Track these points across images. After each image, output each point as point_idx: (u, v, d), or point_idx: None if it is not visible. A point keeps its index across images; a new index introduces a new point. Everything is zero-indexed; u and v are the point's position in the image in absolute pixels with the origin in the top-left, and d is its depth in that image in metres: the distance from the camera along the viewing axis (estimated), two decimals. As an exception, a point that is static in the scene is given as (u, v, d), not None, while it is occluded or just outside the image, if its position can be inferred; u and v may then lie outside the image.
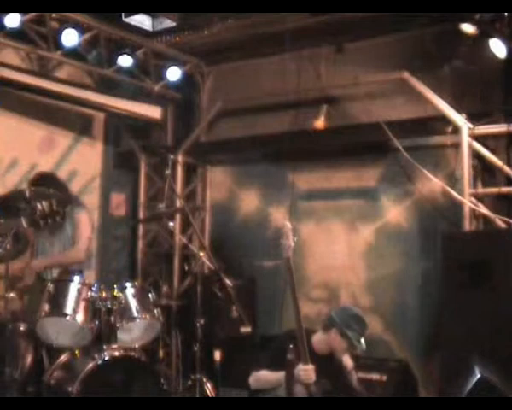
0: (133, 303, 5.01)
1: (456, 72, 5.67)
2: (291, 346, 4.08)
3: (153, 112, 7.01)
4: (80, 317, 4.65)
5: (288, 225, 4.25)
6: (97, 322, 4.72)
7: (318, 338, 4.40)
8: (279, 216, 6.80)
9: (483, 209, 5.53)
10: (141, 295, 5.14)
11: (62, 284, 4.68)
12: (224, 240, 7.07)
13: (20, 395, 4.56)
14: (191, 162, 7.29)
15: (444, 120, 5.68)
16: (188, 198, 7.22)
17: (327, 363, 4.30)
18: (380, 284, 6.19)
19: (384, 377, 5.40)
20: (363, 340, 4.34)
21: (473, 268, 4.77)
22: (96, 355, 4.57)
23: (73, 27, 5.73)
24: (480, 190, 5.61)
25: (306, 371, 4.15)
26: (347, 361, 4.47)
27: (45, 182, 5.06)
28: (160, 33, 6.40)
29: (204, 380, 5.34)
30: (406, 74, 5.82)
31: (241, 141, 6.86)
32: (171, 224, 6.46)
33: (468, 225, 5.52)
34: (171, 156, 6.18)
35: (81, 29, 5.84)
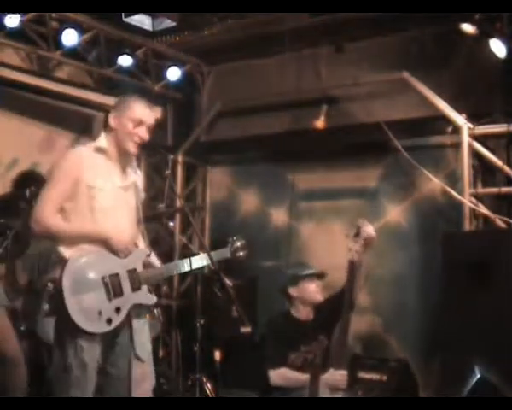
0: (133, 303, 5.00)
1: (456, 72, 5.66)
2: (319, 351, 4.09)
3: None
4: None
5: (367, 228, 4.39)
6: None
7: (297, 308, 4.56)
8: (279, 216, 6.81)
9: (483, 209, 5.53)
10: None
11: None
12: (223, 240, 7.05)
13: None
14: (191, 162, 7.29)
15: (444, 120, 5.68)
16: (188, 198, 7.22)
17: (314, 326, 4.43)
18: (380, 283, 6.18)
19: (384, 377, 5.39)
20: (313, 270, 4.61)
21: (473, 268, 4.76)
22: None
23: (73, 27, 5.73)
24: (480, 190, 5.61)
25: (342, 376, 4.18)
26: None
27: (28, 181, 5.06)
28: (160, 33, 6.40)
29: (204, 380, 5.35)
30: (406, 74, 5.81)
31: (241, 141, 6.86)
32: (171, 224, 6.47)
33: (468, 225, 5.51)
34: (171, 156, 6.18)
35: (81, 29, 5.85)
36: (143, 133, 3.68)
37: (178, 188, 6.99)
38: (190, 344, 5.42)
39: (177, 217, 6.90)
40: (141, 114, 3.67)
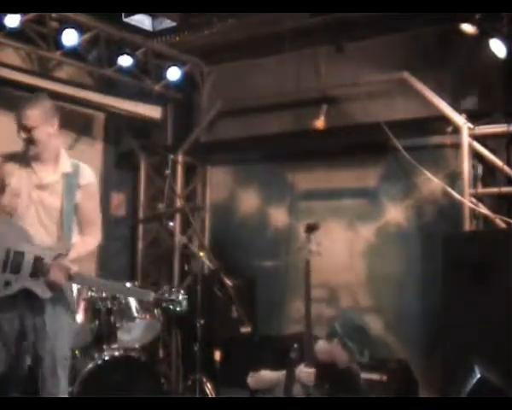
0: (133, 303, 5.01)
1: (456, 72, 5.66)
2: (295, 345, 4.10)
3: (153, 112, 7.01)
4: (80, 317, 4.65)
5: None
6: (97, 322, 4.72)
7: (320, 346, 4.42)
8: (279, 216, 6.81)
9: (483, 209, 5.53)
10: (141, 296, 5.13)
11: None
12: (224, 240, 7.06)
13: (20, 395, 4.55)
14: (191, 162, 7.29)
15: (444, 120, 5.68)
16: (188, 198, 7.21)
17: (328, 371, 4.31)
18: (380, 284, 6.18)
19: (384, 378, 5.39)
20: (366, 351, 4.35)
21: (473, 268, 4.76)
22: (96, 355, 4.57)
23: (73, 27, 5.73)
24: (480, 190, 5.61)
25: (308, 373, 4.18)
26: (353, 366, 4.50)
27: None
28: (160, 33, 6.40)
29: (204, 380, 5.34)
30: (406, 74, 5.81)
31: (241, 141, 6.85)
32: (171, 224, 6.46)
33: (468, 225, 5.51)
34: (171, 156, 6.18)
35: (81, 29, 5.84)
36: (25, 135, 3.79)
37: (178, 188, 6.98)
38: (190, 344, 5.41)
39: (177, 217, 6.89)
40: (19, 121, 3.79)
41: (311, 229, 4.46)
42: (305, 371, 4.18)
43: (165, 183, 6.02)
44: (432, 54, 5.78)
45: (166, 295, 4.93)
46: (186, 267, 6.99)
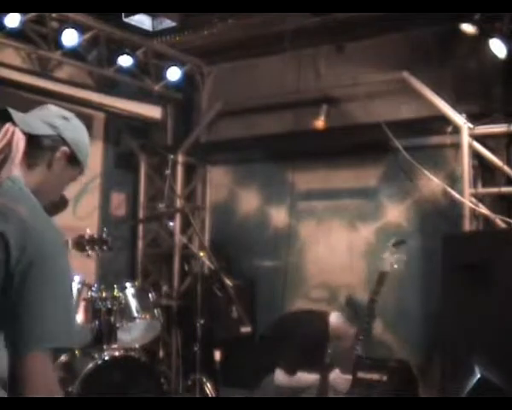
0: (133, 303, 5.01)
1: (456, 72, 5.66)
2: (329, 351, 4.11)
3: (153, 112, 7.02)
4: (80, 317, 4.65)
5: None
6: (97, 322, 4.72)
7: (334, 320, 4.48)
8: (279, 216, 6.81)
9: (483, 209, 5.53)
10: (141, 295, 5.15)
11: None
12: (224, 240, 7.06)
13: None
14: (191, 162, 7.29)
15: (444, 120, 5.68)
16: (188, 198, 7.22)
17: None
18: (380, 283, 6.18)
19: (384, 378, 5.38)
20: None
21: (473, 268, 4.76)
22: (96, 355, 4.57)
23: (73, 27, 5.73)
24: (480, 190, 5.61)
25: (344, 380, 4.19)
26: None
27: None
28: (160, 33, 6.39)
29: (204, 380, 5.34)
30: (406, 74, 5.81)
31: (241, 141, 6.86)
32: (171, 224, 6.47)
33: (468, 225, 5.51)
34: (171, 156, 6.18)
35: (81, 29, 5.84)
36: None
37: (178, 188, 6.99)
38: (190, 344, 5.41)
39: (177, 217, 6.90)
40: None
41: (398, 244, 4.68)
42: (340, 378, 4.19)
43: (165, 183, 6.02)
44: (432, 54, 5.77)
45: (95, 236, 4.92)
46: (186, 267, 6.99)
